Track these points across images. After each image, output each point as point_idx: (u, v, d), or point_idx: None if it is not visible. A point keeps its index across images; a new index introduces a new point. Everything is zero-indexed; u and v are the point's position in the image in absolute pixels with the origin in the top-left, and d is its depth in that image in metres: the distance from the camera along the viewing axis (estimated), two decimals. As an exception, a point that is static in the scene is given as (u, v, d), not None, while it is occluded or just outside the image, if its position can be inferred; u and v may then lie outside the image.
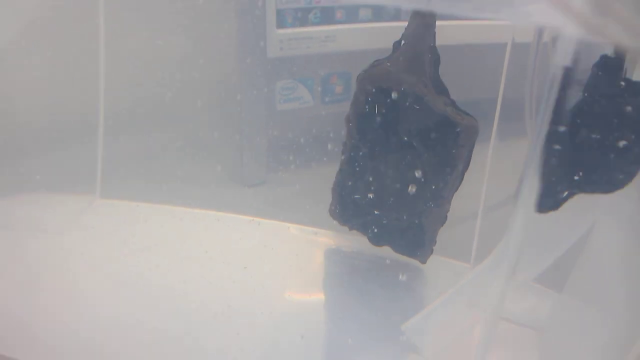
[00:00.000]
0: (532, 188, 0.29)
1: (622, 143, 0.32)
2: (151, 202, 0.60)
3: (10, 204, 0.60)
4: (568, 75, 0.26)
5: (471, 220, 0.50)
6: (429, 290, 0.51)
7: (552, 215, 0.37)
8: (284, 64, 0.64)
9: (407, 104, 0.44)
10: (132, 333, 0.48)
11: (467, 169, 0.46)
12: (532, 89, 0.45)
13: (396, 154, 0.45)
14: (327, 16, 0.64)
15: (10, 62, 0.61)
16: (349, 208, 0.50)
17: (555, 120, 0.28)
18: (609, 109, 0.31)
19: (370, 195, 0.48)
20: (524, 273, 0.44)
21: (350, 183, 0.49)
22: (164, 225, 0.57)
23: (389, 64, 0.45)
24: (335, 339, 0.46)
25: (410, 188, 0.46)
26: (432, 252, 0.49)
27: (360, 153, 0.47)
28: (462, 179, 0.46)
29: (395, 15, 0.66)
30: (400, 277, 0.48)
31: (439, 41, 0.45)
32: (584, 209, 0.37)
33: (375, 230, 0.50)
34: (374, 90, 0.45)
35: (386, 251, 0.51)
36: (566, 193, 0.35)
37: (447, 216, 0.47)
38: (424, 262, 0.49)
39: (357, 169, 0.48)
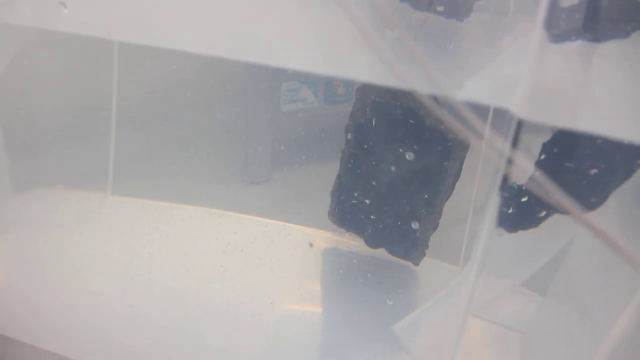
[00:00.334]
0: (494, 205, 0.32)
1: (593, 171, 0.35)
2: (159, 199, 0.63)
3: (26, 200, 0.63)
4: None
5: (461, 225, 0.52)
6: (421, 290, 0.54)
7: (534, 230, 0.40)
8: (289, 66, 0.66)
9: (403, 117, 0.46)
10: (141, 325, 0.52)
11: (458, 179, 0.48)
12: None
13: (391, 164, 0.48)
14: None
15: (27, 61, 0.63)
16: (346, 212, 0.53)
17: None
18: (582, 141, 0.34)
19: (367, 201, 0.51)
20: (510, 279, 0.47)
21: (347, 189, 0.52)
22: (171, 223, 0.60)
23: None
24: (330, 336, 0.49)
25: (403, 199, 0.48)
26: (424, 254, 0.52)
27: (358, 162, 0.50)
28: (453, 188, 0.49)
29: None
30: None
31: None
32: (565, 225, 0.40)
33: (371, 233, 0.52)
34: (371, 102, 0.48)
35: (381, 253, 0.53)
36: (544, 213, 0.38)
37: (439, 222, 0.50)
38: (417, 264, 0.52)
39: (354, 176, 0.51)
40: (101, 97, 0.65)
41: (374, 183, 0.50)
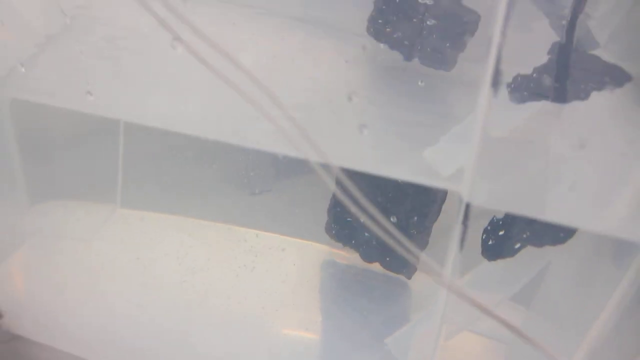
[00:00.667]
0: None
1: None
2: (164, 211, 0.66)
3: (41, 212, 0.66)
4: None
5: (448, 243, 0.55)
6: (413, 302, 0.57)
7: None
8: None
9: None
10: (147, 329, 0.56)
11: (444, 202, 0.51)
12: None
13: (382, 196, 0.50)
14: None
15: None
16: (342, 228, 0.56)
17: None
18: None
19: (362, 220, 0.54)
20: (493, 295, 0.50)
21: (342, 208, 0.55)
22: (175, 235, 0.64)
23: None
24: (326, 346, 0.53)
25: (393, 218, 0.51)
26: (416, 269, 0.55)
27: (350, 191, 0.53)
28: (440, 210, 0.51)
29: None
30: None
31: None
32: (540, 253, 0.43)
33: (366, 249, 0.55)
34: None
35: (376, 266, 0.56)
36: (519, 245, 0.41)
37: (428, 240, 0.53)
38: (409, 277, 0.55)
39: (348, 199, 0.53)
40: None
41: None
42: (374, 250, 0.55)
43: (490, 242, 0.42)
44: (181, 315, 0.57)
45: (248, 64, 0.36)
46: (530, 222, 0.37)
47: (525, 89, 0.37)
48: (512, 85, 0.39)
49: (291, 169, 0.69)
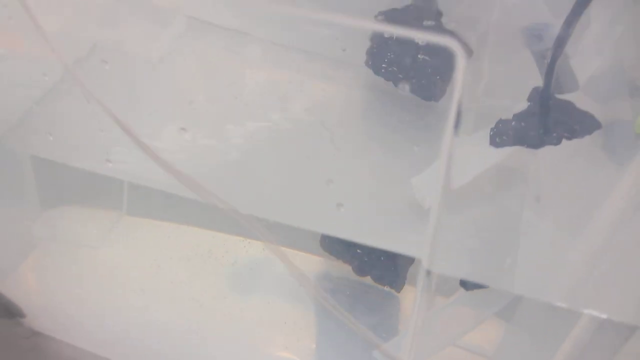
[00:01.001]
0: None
1: None
2: (167, 219, 0.69)
3: (51, 217, 0.70)
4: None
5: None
6: (402, 314, 0.60)
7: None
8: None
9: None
10: (153, 331, 0.60)
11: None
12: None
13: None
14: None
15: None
16: (335, 243, 0.59)
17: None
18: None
19: (353, 237, 0.57)
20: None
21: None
22: (173, 242, 0.67)
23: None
24: (319, 356, 0.57)
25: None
26: (404, 283, 0.58)
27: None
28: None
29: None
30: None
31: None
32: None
33: (358, 263, 0.59)
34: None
35: (368, 279, 0.60)
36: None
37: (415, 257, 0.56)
38: (398, 291, 0.59)
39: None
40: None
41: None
42: (366, 265, 0.58)
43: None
44: (186, 317, 0.61)
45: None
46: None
47: (504, 133, 0.40)
48: (494, 130, 0.42)
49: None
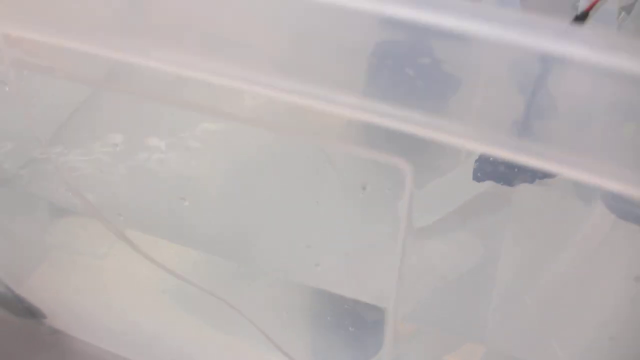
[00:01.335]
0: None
1: None
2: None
3: (60, 226, 0.73)
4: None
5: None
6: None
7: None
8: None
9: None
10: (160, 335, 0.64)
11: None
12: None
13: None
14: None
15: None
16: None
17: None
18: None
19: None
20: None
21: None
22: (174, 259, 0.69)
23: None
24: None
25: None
26: (394, 300, 0.61)
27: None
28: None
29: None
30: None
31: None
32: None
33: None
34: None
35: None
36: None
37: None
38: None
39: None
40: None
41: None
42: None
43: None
44: (194, 323, 0.64)
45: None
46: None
47: (482, 170, 0.41)
48: (477, 164, 0.41)
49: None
